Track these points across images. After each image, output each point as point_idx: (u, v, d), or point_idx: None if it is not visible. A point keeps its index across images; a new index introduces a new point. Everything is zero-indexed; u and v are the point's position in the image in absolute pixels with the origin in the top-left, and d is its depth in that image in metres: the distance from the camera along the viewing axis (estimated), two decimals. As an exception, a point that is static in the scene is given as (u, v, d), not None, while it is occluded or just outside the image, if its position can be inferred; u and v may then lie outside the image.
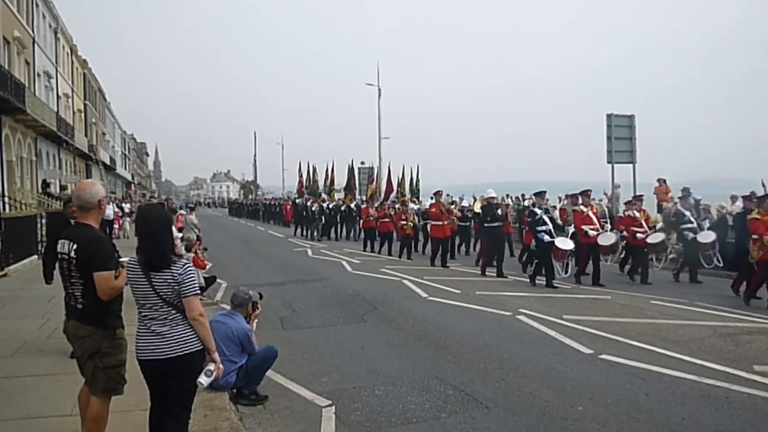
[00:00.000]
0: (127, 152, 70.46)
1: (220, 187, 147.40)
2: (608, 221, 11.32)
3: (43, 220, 14.23)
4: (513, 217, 14.89)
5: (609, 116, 16.52)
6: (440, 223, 13.00)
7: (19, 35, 22.19)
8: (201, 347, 3.06)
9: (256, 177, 68.74)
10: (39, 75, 25.94)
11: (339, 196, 27.10)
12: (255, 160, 67.00)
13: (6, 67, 19.42)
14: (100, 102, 47.84)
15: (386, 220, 16.21)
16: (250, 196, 62.51)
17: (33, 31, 25.08)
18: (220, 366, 3.14)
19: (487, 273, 11.81)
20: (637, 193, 15.02)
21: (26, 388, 4.74)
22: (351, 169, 28.37)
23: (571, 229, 11.04)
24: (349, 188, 27.40)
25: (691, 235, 10.89)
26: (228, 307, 5.18)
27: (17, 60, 22.34)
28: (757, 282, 8.45)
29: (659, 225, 12.10)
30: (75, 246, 3.20)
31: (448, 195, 21.34)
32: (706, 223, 11.55)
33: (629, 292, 9.58)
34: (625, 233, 11.02)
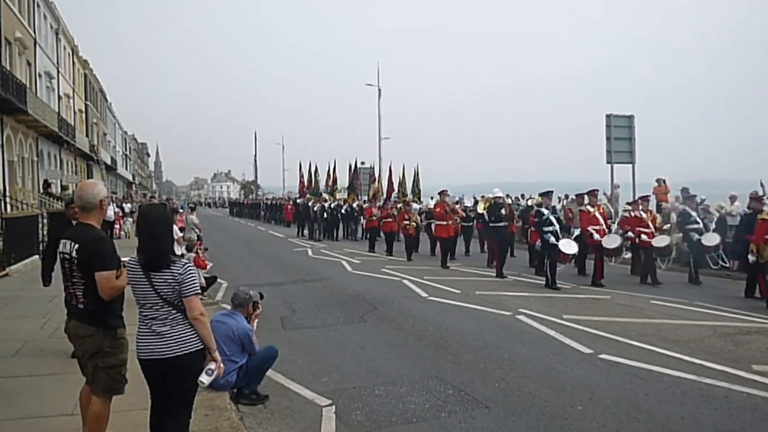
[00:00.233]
0: (128, 152, 70.51)
1: (221, 188, 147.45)
2: (614, 221, 11.25)
3: (45, 220, 14.26)
4: (516, 216, 14.79)
5: (608, 116, 16.52)
6: (445, 223, 12.90)
7: (20, 36, 22.22)
8: (201, 347, 3.07)
9: (256, 177, 68.75)
10: (40, 75, 25.98)
11: (341, 195, 27.06)
12: (255, 160, 66.99)
13: (7, 67, 19.45)
14: (101, 102, 47.88)
15: (389, 220, 16.11)
16: (250, 196, 62.54)
17: (34, 32, 25.12)
18: (221, 365, 3.14)
19: (488, 272, 11.82)
20: (637, 193, 15.01)
21: (27, 387, 4.75)
22: (355, 170, 28.37)
23: (577, 231, 10.91)
24: (352, 188, 27.36)
25: (696, 236, 10.77)
26: (228, 307, 5.19)
27: (19, 61, 22.38)
28: None
29: (666, 226, 11.95)
30: (77, 246, 3.21)
31: (450, 195, 21.39)
32: (712, 225, 11.41)
33: (629, 292, 9.58)
34: (630, 233, 10.90)
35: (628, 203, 13.65)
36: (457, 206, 14.61)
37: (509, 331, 6.80)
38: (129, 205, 25.21)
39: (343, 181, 29.08)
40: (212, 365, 3.09)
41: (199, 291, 3.16)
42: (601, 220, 10.60)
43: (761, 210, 8.94)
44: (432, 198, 23.02)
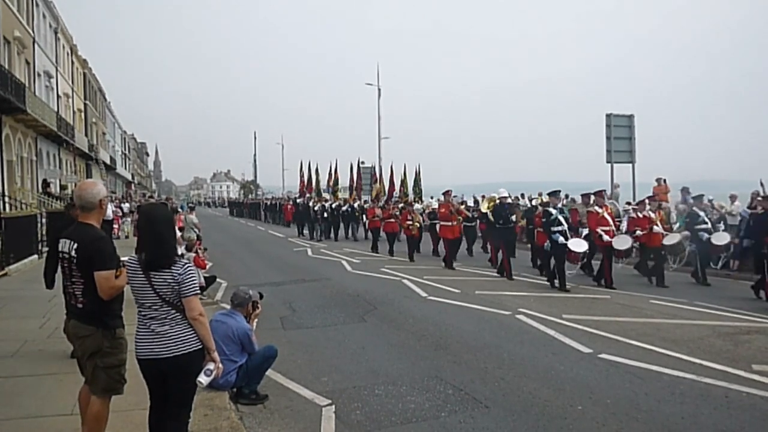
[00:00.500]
0: (127, 152, 70.46)
1: (220, 187, 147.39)
2: (622, 221, 11.03)
3: (44, 220, 14.25)
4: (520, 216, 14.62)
5: (608, 116, 16.52)
6: (450, 223, 12.71)
7: (19, 35, 22.19)
8: (200, 347, 3.06)
9: (256, 177, 68.73)
10: (39, 75, 25.95)
11: (343, 195, 26.96)
12: (255, 160, 66.97)
13: (6, 66, 19.43)
14: (100, 102, 47.85)
15: (391, 220, 15.95)
16: (249, 196, 62.49)
17: (33, 31, 25.08)
18: (220, 365, 3.14)
19: (488, 271, 11.82)
20: (638, 193, 14.94)
21: (26, 387, 4.75)
22: (358, 169, 28.31)
23: (585, 231, 10.69)
24: (352, 188, 27.28)
25: (705, 235, 10.61)
26: (228, 307, 5.18)
27: (17, 60, 22.35)
28: None
29: (676, 226, 11.76)
30: (76, 245, 3.21)
31: (455, 196, 21.36)
32: (721, 225, 11.20)
33: (629, 291, 9.58)
34: (638, 232, 10.68)
35: (628, 203, 13.61)
36: (462, 206, 14.47)
37: (509, 330, 6.80)
38: (128, 204, 25.15)
39: (344, 180, 28.97)
40: (211, 365, 3.08)
41: (199, 291, 3.16)
42: (610, 221, 10.37)
43: None
44: (432, 198, 23.02)
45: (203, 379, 3.05)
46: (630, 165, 16.74)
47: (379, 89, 32.26)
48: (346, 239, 21.29)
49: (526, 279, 11.01)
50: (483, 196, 17.52)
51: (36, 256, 12.93)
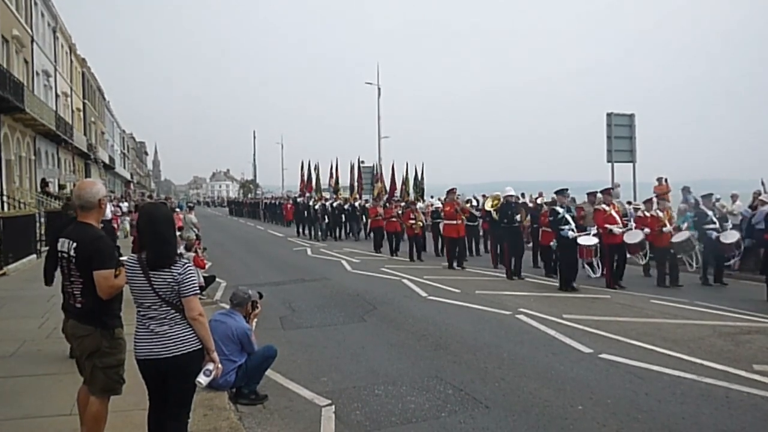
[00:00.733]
0: (126, 151, 70.41)
1: (220, 187, 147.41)
2: (630, 220, 10.81)
3: (42, 219, 14.22)
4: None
5: (609, 115, 16.50)
6: (454, 222, 12.60)
7: (17, 34, 22.15)
8: (199, 347, 3.05)
9: (255, 176, 68.61)
10: (38, 74, 25.90)
11: (345, 194, 26.88)
12: (254, 160, 66.91)
13: (5, 65, 19.38)
14: (99, 101, 47.79)
15: (393, 219, 15.77)
16: (249, 195, 62.45)
17: (32, 30, 25.04)
18: (219, 366, 3.13)
19: (488, 271, 11.80)
20: (638, 192, 14.83)
21: (26, 387, 4.74)
22: (359, 169, 28.26)
23: (594, 229, 10.35)
24: (352, 187, 27.21)
25: (714, 234, 10.39)
26: (227, 306, 5.17)
27: (16, 59, 22.31)
28: None
29: (684, 226, 11.42)
30: (75, 245, 3.19)
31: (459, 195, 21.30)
32: (729, 224, 10.97)
33: (629, 291, 9.58)
34: (646, 230, 10.42)
35: (628, 202, 13.51)
36: (468, 205, 14.37)
37: (509, 330, 6.79)
38: (126, 204, 25.11)
39: (344, 180, 28.91)
40: (210, 365, 3.07)
41: (198, 291, 3.15)
42: (618, 219, 10.22)
43: None
44: (432, 197, 22.98)
45: (203, 379, 3.04)
46: (630, 164, 16.73)
47: (379, 89, 32.24)
48: (347, 239, 21.20)
49: (527, 279, 10.98)
50: (483, 195, 17.49)
51: (35, 255, 12.91)
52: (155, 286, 2.97)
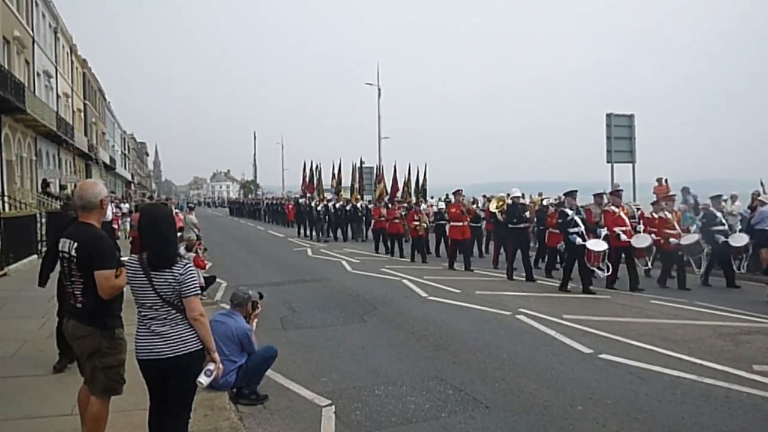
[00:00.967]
0: (126, 152, 70.45)
1: (220, 187, 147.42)
2: (639, 222, 10.63)
3: (43, 220, 14.23)
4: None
5: (609, 116, 16.49)
6: (460, 223, 12.48)
7: (18, 35, 22.18)
8: (200, 347, 3.06)
9: (255, 177, 68.63)
10: (39, 74, 25.93)
11: (345, 195, 26.80)
12: (255, 160, 66.96)
13: (6, 66, 19.41)
14: (99, 101, 47.83)
15: (396, 220, 15.58)
16: (249, 196, 62.47)
17: (33, 31, 25.07)
18: (220, 366, 3.14)
19: (489, 272, 11.79)
20: (638, 193, 14.78)
21: (26, 387, 4.74)
22: (360, 170, 28.19)
23: (604, 231, 10.12)
24: (353, 188, 27.10)
25: (722, 238, 10.20)
26: (228, 307, 5.18)
27: (17, 59, 22.34)
28: None
29: (694, 227, 11.28)
30: (76, 245, 3.21)
31: (447, 195, 21.27)
32: (738, 226, 10.78)
33: (629, 291, 9.57)
34: (653, 235, 10.24)
35: (652, 203, 13.37)
36: (474, 206, 14.27)
37: (509, 330, 6.80)
38: (127, 204, 25.09)
39: (345, 180, 28.80)
40: (211, 366, 3.08)
41: (199, 291, 3.15)
42: (627, 221, 10.05)
43: None
44: (432, 197, 22.95)
45: (203, 379, 3.04)
46: (630, 165, 16.73)
47: (379, 89, 32.25)
48: (349, 240, 21.01)
49: (525, 279, 10.94)
50: (484, 196, 17.47)
51: (35, 256, 12.91)
52: (156, 286, 2.97)
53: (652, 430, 3.97)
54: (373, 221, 18.65)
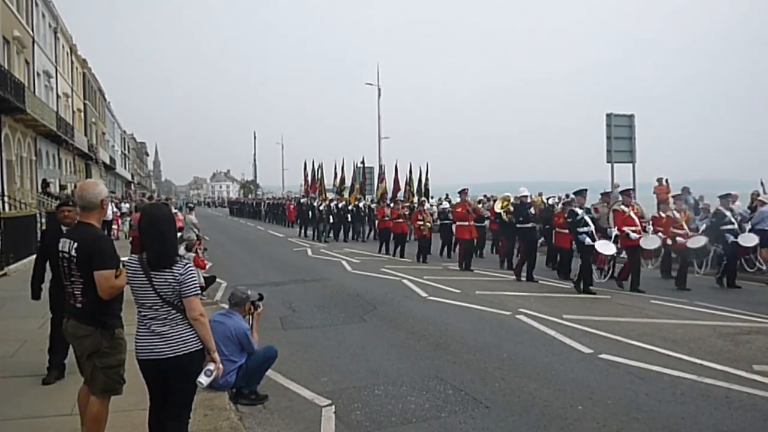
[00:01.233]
0: (126, 152, 70.44)
1: (220, 187, 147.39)
2: (649, 222, 10.48)
3: (43, 220, 14.23)
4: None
5: (609, 116, 16.51)
6: (466, 223, 12.45)
7: (18, 35, 22.18)
8: (200, 347, 3.05)
9: (255, 177, 68.81)
10: (39, 74, 25.93)
11: (345, 195, 26.71)
12: (255, 160, 67.08)
13: (6, 66, 19.41)
14: (99, 101, 47.83)
15: (400, 220, 15.49)
16: (249, 196, 62.48)
17: (33, 31, 25.07)
18: (220, 366, 3.14)
19: (490, 272, 11.78)
20: (638, 193, 14.73)
21: (26, 387, 4.74)
22: (362, 170, 28.15)
23: (615, 232, 10.01)
24: (353, 188, 27.03)
25: (731, 237, 10.05)
26: (227, 307, 5.18)
27: (17, 59, 22.34)
28: None
29: (702, 228, 11.10)
30: (76, 245, 3.20)
31: (447, 195, 21.24)
32: (748, 225, 10.55)
33: (629, 291, 9.57)
34: (660, 234, 10.10)
35: (660, 203, 13.29)
36: (480, 206, 14.20)
37: (509, 330, 6.80)
38: (127, 204, 25.07)
39: (347, 180, 28.72)
40: (211, 366, 3.08)
41: (199, 291, 3.15)
42: (637, 221, 9.89)
43: None
44: (432, 197, 22.94)
45: (203, 379, 3.04)
46: (630, 165, 16.74)
47: (379, 89, 32.30)
48: (351, 240, 20.89)
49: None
50: (484, 195, 17.47)
51: (35, 256, 12.91)
52: (156, 286, 2.97)
53: (652, 430, 3.97)
54: (376, 221, 18.54)
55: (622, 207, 10.07)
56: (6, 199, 15.83)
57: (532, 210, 10.90)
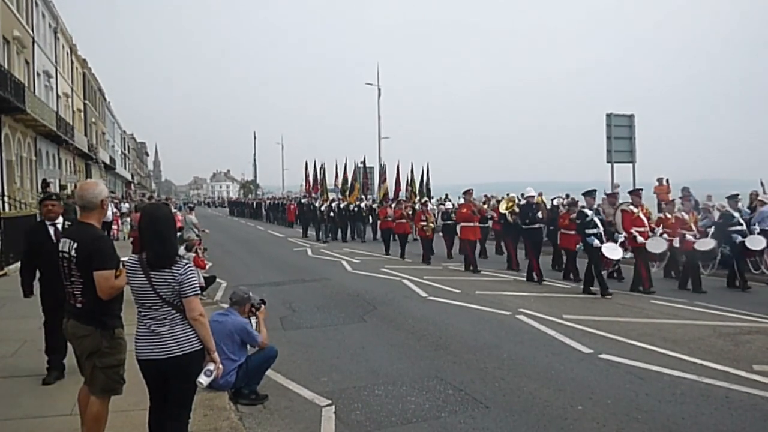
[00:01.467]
0: (126, 152, 70.45)
1: (220, 187, 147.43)
2: (659, 225, 10.24)
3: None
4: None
5: (609, 116, 16.52)
6: (471, 224, 12.35)
7: (18, 35, 22.18)
8: (200, 347, 3.06)
9: (255, 177, 68.83)
10: (39, 74, 25.93)
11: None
12: (255, 160, 67.10)
13: (6, 66, 19.41)
14: (99, 101, 47.83)
15: (403, 220, 15.37)
16: (249, 196, 62.49)
17: (33, 31, 25.08)
18: (220, 366, 3.14)
19: (490, 272, 11.78)
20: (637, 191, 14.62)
21: (26, 387, 4.74)
22: (364, 169, 28.10)
23: (623, 236, 9.75)
24: (353, 188, 26.99)
25: (739, 238, 9.85)
26: (227, 306, 5.18)
27: (17, 59, 22.34)
28: None
29: (711, 231, 10.87)
30: (76, 245, 3.20)
31: (446, 195, 21.24)
32: (756, 227, 10.34)
33: (630, 291, 9.56)
34: (666, 236, 9.89)
35: (666, 203, 13.25)
36: (485, 206, 14.09)
37: (509, 330, 6.80)
38: (127, 204, 25.04)
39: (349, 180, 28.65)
40: (211, 366, 3.08)
41: (199, 291, 3.15)
42: (645, 222, 9.72)
43: None
44: (432, 198, 22.91)
45: (203, 379, 3.04)
46: (630, 165, 16.75)
47: (379, 89, 32.29)
48: (353, 240, 20.82)
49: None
50: (485, 195, 17.45)
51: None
52: (155, 286, 2.97)
53: (652, 430, 3.97)
54: (379, 222, 18.48)
55: (631, 207, 9.89)
56: (6, 199, 15.83)
57: (540, 215, 10.72)
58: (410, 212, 15.72)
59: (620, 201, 10.98)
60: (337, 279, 11.13)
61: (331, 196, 25.28)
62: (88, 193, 3.30)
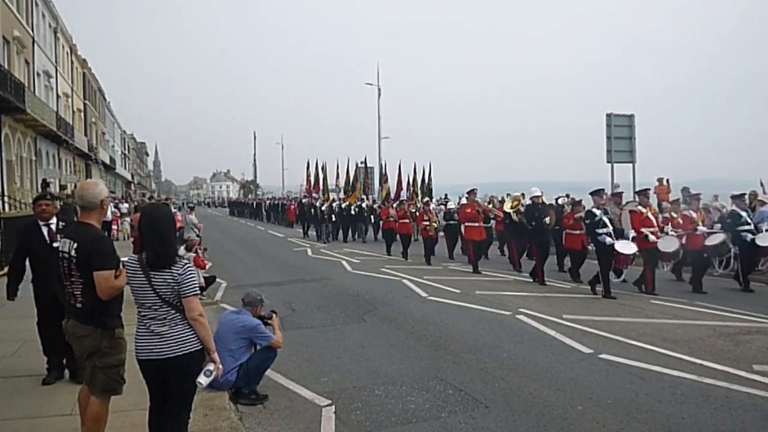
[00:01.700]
0: (126, 152, 70.45)
1: (220, 187, 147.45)
2: (668, 224, 10.17)
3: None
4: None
5: (609, 116, 16.51)
6: (476, 224, 12.28)
7: (18, 35, 22.19)
8: (200, 347, 3.05)
9: (255, 177, 68.79)
10: (39, 74, 25.94)
11: (343, 195, 26.62)
12: (255, 160, 67.08)
13: (6, 66, 19.41)
14: (99, 101, 47.83)
15: (406, 220, 15.29)
16: (250, 196, 62.48)
17: (33, 31, 25.08)
18: (220, 366, 3.14)
19: (490, 272, 11.78)
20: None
21: (26, 387, 4.74)
22: (365, 169, 28.06)
23: (632, 233, 9.58)
24: (353, 188, 26.94)
25: (749, 236, 9.75)
26: (228, 307, 5.20)
27: (17, 59, 22.35)
28: None
29: (717, 226, 10.82)
30: (75, 245, 3.20)
31: (446, 195, 21.22)
32: (765, 225, 10.17)
33: (630, 291, 9.56)
34: (675, 233, 9.76)
35: (627, 202, 13.39)
36: (490, 206, 13.95)
37: (509, 330, 6.80)
38: (126, 204, 25.01)
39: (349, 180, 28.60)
40: (211, 366, 3.08)
41: (199, 291, 3.15)
42: (655, 222, 9.59)
43: None
44: (431, 197, 22.89)
45: (203, 379, 3.04)
46: (630, 165, 16.74)
47: (379, 89, 32.31)
48: (354, 240, 20.77)
49: (527, 279, 10.92)
50: (489, 196, 17.41)
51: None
52: (155, 286, 2.97)
53: (652, 430, 3.97)
54: (381, 222, 18.42)
55: (639, 207, 9.77)
56: (6, 199, 15.83)
57: (547, 219, 10.50)
58: (414, 210, 15.64)
59: (624, 201, 10.96)
60: (337, 279, 11.13)
61: (332, 195, 25.23)
62: (88, 193, 3.30)
